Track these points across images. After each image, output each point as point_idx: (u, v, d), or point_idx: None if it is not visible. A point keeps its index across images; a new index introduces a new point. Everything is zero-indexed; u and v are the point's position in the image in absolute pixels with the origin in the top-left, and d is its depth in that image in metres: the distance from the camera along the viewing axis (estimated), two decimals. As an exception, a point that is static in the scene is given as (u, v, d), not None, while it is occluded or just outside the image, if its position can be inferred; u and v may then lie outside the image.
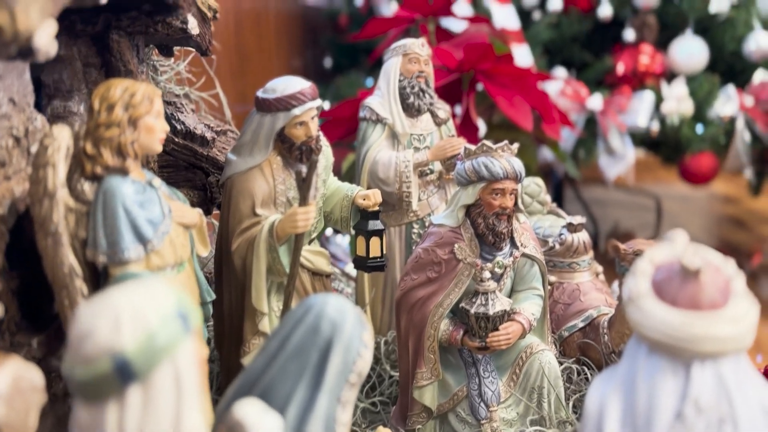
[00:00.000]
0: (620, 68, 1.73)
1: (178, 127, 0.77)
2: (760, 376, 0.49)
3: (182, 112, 0.80)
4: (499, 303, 0.76)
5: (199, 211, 0.66)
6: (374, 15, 2.05)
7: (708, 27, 1.77)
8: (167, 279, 0.62)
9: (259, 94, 0.72)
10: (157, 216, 0.61)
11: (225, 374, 0.76)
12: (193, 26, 0.70)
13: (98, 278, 0.62)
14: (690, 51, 1.73)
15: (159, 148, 0.62)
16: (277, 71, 1.88)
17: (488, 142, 0.77)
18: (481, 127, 1.43)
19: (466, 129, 1.32)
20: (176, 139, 0.77)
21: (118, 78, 0.64)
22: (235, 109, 1.49)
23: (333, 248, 1.44)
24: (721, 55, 1.79)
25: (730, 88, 1.74)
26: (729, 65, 1.83)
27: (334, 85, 2.02)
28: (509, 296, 0.80)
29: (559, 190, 2.30)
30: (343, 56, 2.21)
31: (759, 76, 1.77)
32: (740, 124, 1.72)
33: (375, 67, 1.95)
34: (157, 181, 0.64)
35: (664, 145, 1.78)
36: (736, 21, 1.76)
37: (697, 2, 1.74)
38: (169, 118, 0.77)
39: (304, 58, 2.20)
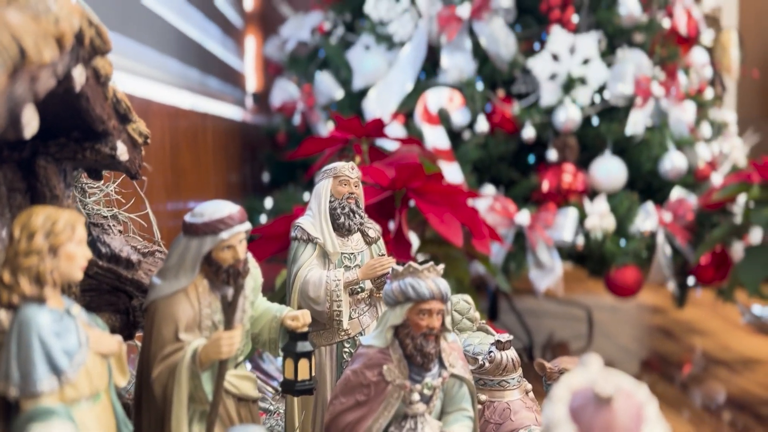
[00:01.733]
0: (545, 186, 1.82)
1: (103, 250, 0.76)
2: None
3: (108, 234, 0.79)
4: (428, 427, 0.75)
5: (118, 339, 0.65)
6: (311, 133, 2.11)
7: (625, 148, 1.89)
8: (82, 412, 0.59)
9: (187, 218, 0.73)
10: (73, 346, 0.60)
11: None
12: (123, 152, 0.71)
13: (9, 413, 0.59)
14: (609, 170, 1.83)
15: (79, 276, 0.61)
16: (214, 186, 1.89)
17: (414, 264, 0.79)
18: (415, 241, 1.46)
19: (399, 244, 1.35)
20: (100, 263, 0.76)
21: (42, 205, 0.64)
22: (169, 224, 1.49)
23: (267, 365, 1.40)
24: (638, 173, 1.90)
25: (649, 205, 1.84)
26: (647, 183, 1.94)
27: (272, 199, 2.05)
28: (439, 418, 0.79)
29: (493, 301, 2.33)
30: (281, 172, 2.25)
31: (676, 193, 1.88)
32: (660, 239, 1.81)
33: (311, 182, 1.99)
34: (76, 309, 0.63)
35: (590, 259, 1.84)
36: (651, 142, 1.88)
37: (614, 125, 1.86)
38: (94, 241, 0.76)
39: (243, 174, 2.24)
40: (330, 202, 0.98)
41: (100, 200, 0.87)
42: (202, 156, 1.78)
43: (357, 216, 0.99)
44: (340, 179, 0.99)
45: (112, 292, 0.78)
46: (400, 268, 0.80)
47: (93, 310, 0.75)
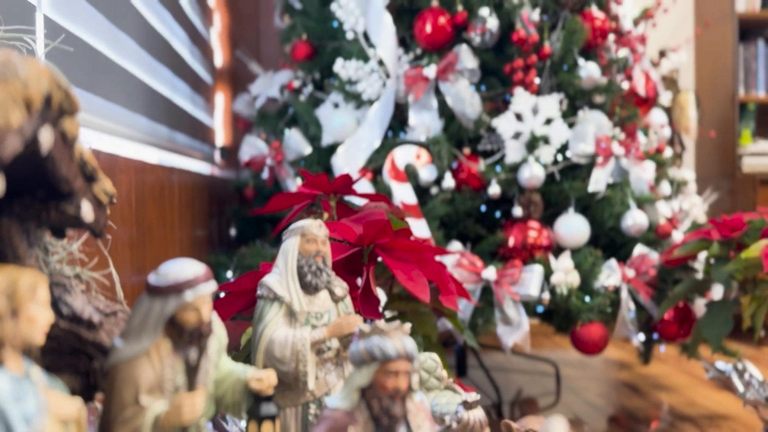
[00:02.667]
0: (511, 242, 1.84)
1: (65, 310, 0.75)
2: None
3: (71, 294, 0.78)
4: (394, 490, 0.74)
5: (78, 403, 0.63)
6: (279, 188, 2.12)
7: (588, 205, 1.93)
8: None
9: (151, 278, 0.72)
10: (32, 411, 0.58)
11: None
12: (87, 212, 0.70)
13: (-42, 481, 0.57)
14: (573, 227, 1.87)
15: (40, 340, 0.60)
16: (179, 242, 1.88)
17: (381, 323, 0.79)
18: (382, 297, 1.47)
19: (367, 300, 1.34)
20: (61, 324, 0.74)
21: (4, 265, 0.63)
22: (133, 281, 1.47)
23: (230, 426, 1.37)
24: (602, 230, 1.93)
25: (612, 261, 1.86)
26: (610, 239, 1.97)
27: (238, 255, 2.03)
28: (406, 482, 0.78)
29: (461, 357, 2.33)
30: (248, 227, 2.25)
31: (638, 250, 1.92)
32: (624, 295, 1.83)
33: (279, 238, 1.99)
34: (35, 371, 0.61)
35: (556, 315, 1.86)
36: (613, 200, 1.92)
37: (577, 183, 1.90)
38: (56, 302, 0.75)
39: (209, 228, 2.22)
40: (297, 260, 0.98)
41: (63, 259, 0.85)
42: (168, 211, 1.77)
43: (324, 274, 0.99)
44: (307, 237, 1.00)
45: (73, 354, 0.76)
46: (366, 327, 0.79)
47: (52, 371, 0.73)
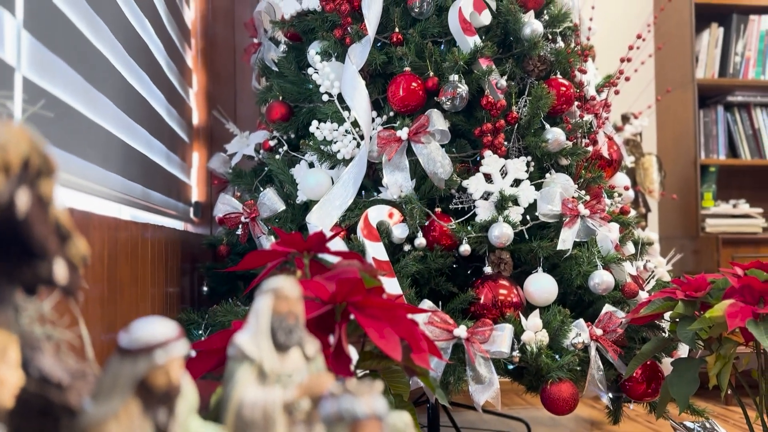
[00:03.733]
0: (482, 300, 1.86)
1: (33, 371, 0.75)
2: None
3: (40, 355, 0.78)
4: None
5: (45, 466, 0.63)
6: (253, 245, 2.13)
7: (556, 264, 1.97)
8: None
9: (121, 338, 0.73)
10: (-3, 474, 0.58)
11: None
12: (61, 273, 0.71)
13: None
14: (542, 285, 1.90)
15: (8, 402, 0.60)
16: (151, 299, 1.86)
17: (351, 383, 0.80)
18: (354, 355, 1.47)
19: (339, 359, 1.35)
20: (30, 385, 0.74)
21: (-26, 326, 0.63)
22: (103, 338, 1.46)
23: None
24: (569, 288, 1.97)
25: (580, 320, 1.89)
26: (578, 298, 2.00)
27: (210, 313, 2.02)
28: None
29: (434, 415, 2.31)
30: (220, 284, 2.24)
31: (605, 308, 1.95)
32: (593, 353, 1.85)
33: (251, 295, 1.99)
34: (3, 434, 0.61)
35: (527, 372, 1.87)
36: (580, 259, 1.96)
37: (545, 242, 1.94)
38: (25, 363, 0.75)
39: (181, 285, 2.21)
40: (269, 319, 0.99)
41: (33, 318, 0.85)
42: (141, 268, 1.76)
43: (296, 334, 1.00)
44: (279, 297, 1.01)
45: (41, 415, 0.75)
46: (337, 388, 0.80)
47: (18, 434, 0.73)
